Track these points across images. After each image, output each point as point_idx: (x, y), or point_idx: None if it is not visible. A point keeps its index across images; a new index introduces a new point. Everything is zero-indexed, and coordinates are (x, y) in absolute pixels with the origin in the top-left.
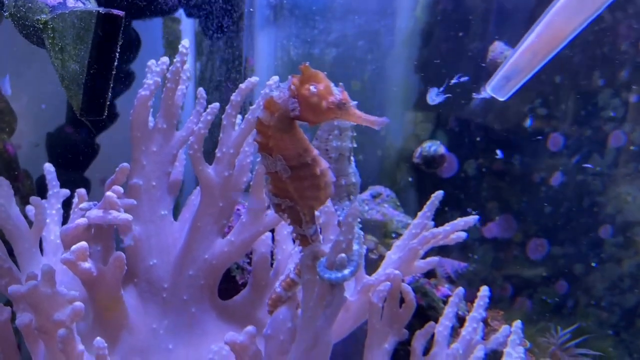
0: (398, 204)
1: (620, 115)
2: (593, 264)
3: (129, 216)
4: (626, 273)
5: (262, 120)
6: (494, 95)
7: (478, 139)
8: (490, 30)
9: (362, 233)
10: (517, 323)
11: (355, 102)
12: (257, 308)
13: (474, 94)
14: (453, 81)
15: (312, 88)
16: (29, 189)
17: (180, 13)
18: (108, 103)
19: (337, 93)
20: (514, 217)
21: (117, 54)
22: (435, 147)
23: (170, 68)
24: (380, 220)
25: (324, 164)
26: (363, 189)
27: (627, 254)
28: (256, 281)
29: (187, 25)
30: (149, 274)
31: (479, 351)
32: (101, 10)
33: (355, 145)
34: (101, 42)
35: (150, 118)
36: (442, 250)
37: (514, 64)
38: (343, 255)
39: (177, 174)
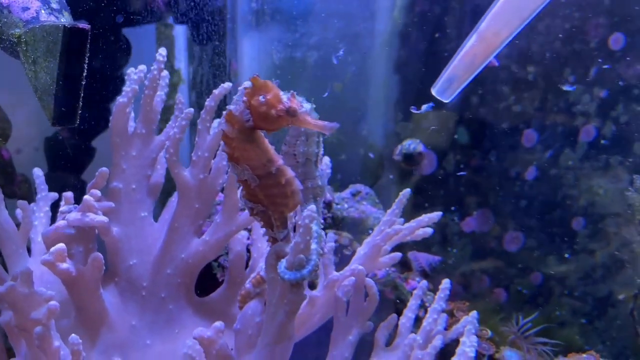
0: (377, 201)
1: (591, 111)
2: (566, 255)
3: (105, 218)
4: (599, 263)
5: (225, 133)
6: (439, 97)
7: (455, 136)
8: (466, 31)
9: (322, 232)
10: (473, 313)
11: (309, 108)
12: (232, 304)
13: (412, 108)
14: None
15: (260, 98)
16: (26, 192)
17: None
18: (80, 112)
19: (286, 101)
20: (492, 211)
21: (86, 65)
22: (414, 145)
23: (147, 76)
24: (358, 218)
25: (289, 173)
26: (344, 187)
27: (600, 245)
28: (232, 278)
29: (180, 31)
30: (129, 273)
31: (437, 340)
32: (67, 24)
33: (321, 151)
34: (69, 55)
35: (131, 122)
36: (421, 245)
37: (456, 67)
38: (301, 256)
39: (157, 177)
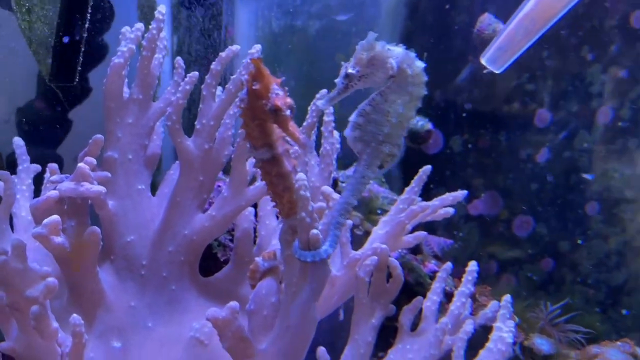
0: (383, 180)
1: (609, 91)
2: (579, 241)
3: (102, 188)
4: (613, 250)
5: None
6: (489, 67)
7: (464, 114)
8: (477, 3)
9: (350, 201)
10: (507, 297)
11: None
12: (239, 285)
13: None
14: None
15: (254, 84)
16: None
17: None
18: (79, 69)
19: (273, 96)
20: (500, 194)
21: (89, 16)
22: (422, 122)
23: (145, 35)
24: (366, 197)
25: (285, 166)
26: (348, 165)
27: (614, 231)
28: (239, 257)
29: None
30: (126, 250)
31: (468, 325)
32: None
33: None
34: (71, 2)
35: (126, 89)
36: (427, 228)
37: (510, 34)
38: (315, 231)
39: (154, 147)
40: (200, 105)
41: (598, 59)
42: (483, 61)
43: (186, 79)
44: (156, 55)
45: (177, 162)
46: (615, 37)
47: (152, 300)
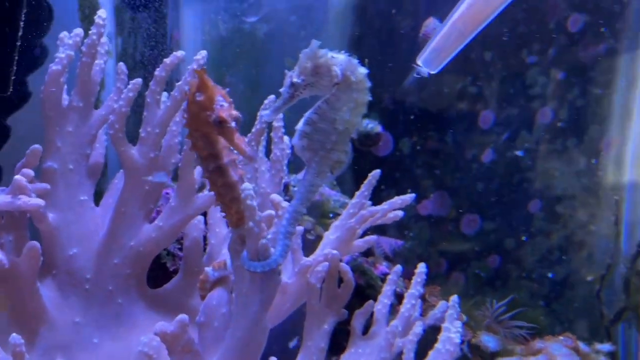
0: (334, 183)
1: (548, 93)
2: (523, 238)
3: (40, 201)
4: (555, 245)
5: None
6: (425, 68)
7: (412, 117)
8: (423, 7)
9: (298, 210)
10: (454, 298)
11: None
12: (190, 295)
13: (414, 72)
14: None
15: (197, 96)
16: None
17: None
18: (13, 77)
19: (218, 107)
20: (448, 194)
21: (22, 22)
22: (372, 125)
23: (85, 41)
24: (318, 200)
25: (230, 177)
26: (299, 169)
27: (556, 227)
28: (188, 267)
29: None
30: (69, 264)
31: (418, 327)
32: None
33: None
34: (2, 8)
35: (65, 96)
36: (378, 229)
37: (444, 36)
38: (263, 241)
39: (97, 156)
40: (145, 113)
41: (538, 62)
42: (419, 62)
43: (129, 86)
44: (97, 61)
45: (122, 170)
46: (553, 41)
47: (98, 315)
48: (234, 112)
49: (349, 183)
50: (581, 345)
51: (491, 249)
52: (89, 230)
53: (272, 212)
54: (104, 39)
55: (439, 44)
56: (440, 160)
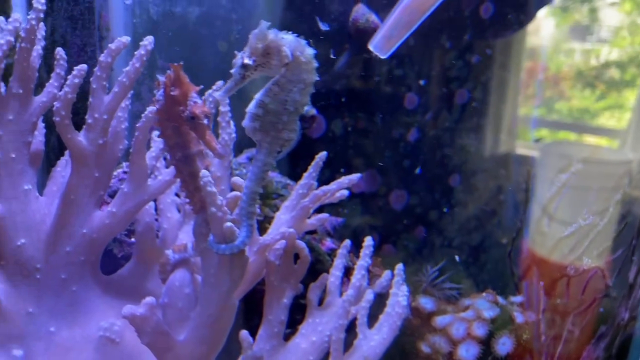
0: (274, 165)
1: (464, 76)
2: (445, 210)
3: None
4: (472, 215)
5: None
6: (377, 54)
7: (343, 100)
8: None
9: (255, 190)
10: (399, 266)
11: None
12: (146, 279)
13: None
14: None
15: (171, 90)
16: None
17: None
18: None
19: (191, 103)
20: (378, 172)
21: None
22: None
23: (24, 26)
24: None
25: (196, 166)
26: (239, 152)
27: (472, 199)
28: (142, 252)
29: None
30: (17, 255)
31: (369, 294)
32: None
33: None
34: None
35: (2, 84)
36: (315, 208)
37: (393, 23)
38: (228, 224)
39: (37, 144)
40: (90, 99)
41: (454, 47)
42: (371, 48)
43: (74, 72)
44: (35, 47)
45: (63, 158)
46: (468, 27)
47: (52, 304)
48: (207, 109)
49: (285, 164)
50: (499, 299)
51: (417, 221)
52: (35, 220)
53: (238, 193)
54: (41, 24)
55: (389, 31)
56: (370, 140)
